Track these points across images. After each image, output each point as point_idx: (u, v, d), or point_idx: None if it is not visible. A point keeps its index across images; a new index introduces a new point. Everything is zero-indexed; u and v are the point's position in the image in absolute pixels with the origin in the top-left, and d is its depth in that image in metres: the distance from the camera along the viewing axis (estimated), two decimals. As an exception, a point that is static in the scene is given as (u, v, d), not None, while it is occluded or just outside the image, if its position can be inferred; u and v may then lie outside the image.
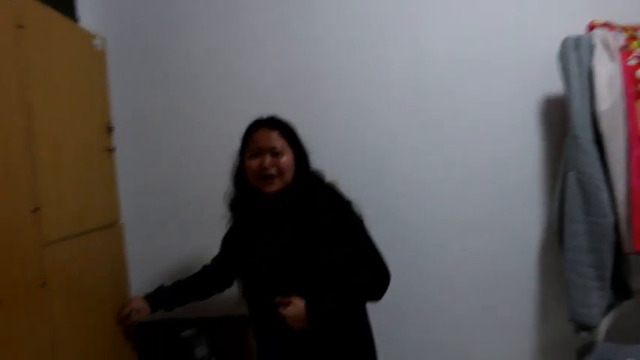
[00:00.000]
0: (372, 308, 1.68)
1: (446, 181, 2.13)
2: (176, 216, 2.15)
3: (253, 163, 1.60)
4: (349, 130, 2.13)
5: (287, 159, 1.61)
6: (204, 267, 1.88)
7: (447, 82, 2.12)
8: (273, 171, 1.58)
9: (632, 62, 1.84)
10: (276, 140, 1.61)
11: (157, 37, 2.15)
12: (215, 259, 1.86)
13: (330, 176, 1.70)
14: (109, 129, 1.90)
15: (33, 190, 1.34)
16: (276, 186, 1.59)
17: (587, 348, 1.88)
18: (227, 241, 1.81)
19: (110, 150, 1.89)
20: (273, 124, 1.64)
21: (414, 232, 2.14)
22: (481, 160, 2.12)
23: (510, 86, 2.10)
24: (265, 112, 1.70)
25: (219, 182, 1.73)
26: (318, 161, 1.72)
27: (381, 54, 2.13)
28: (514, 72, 2.09)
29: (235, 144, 1.68)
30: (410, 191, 2.13)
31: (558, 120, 2.05)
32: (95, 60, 1.84)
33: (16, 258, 1.25)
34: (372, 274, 1.58)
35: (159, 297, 1.80)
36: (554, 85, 1.98)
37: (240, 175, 1.67)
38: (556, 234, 1.95)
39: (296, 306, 1.51)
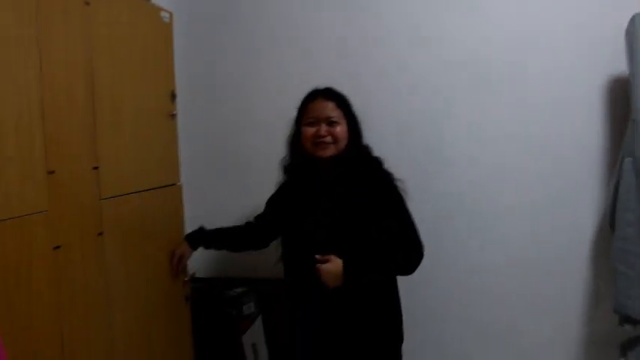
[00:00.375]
0: (416, 283, 1.75)
1: (502, 157, 2.10)
2: (232, 178, 2.31)
3: (309, 130, 1.68)
4: (405, 102, 2.16)
5: (342, 129, 1.68)
6: (247, 223, 2.00)
7: (510, 55, 2.06)
8: (328, 139, 1.66)
9: None
10: (332, 110, 1.68)
11: (221, 10, 2.29)
12: (258, 218, 1.97)
13: (385, 148, 1.76)
14: (172, 96, 2.04)
15: (93, 150, 1.50)
16: (330, 151, 1.67)
17: (631, 342, 1.81)
18: (274, 203, 1.91)
19: (172, 115, 2.03)
20: (330, 95, 1.72)
21: (466, 208, 2.14)
22: (540, 138, 2.06)
23: (575, 64, 2.02)
24: (321, 83, 1.77)
25: (274, 148, 1.83)
26: (374, 133, 1.78)
27: (441, 23, 2.11)
28: (580, 49, 2.01)
29: (291, 113, 1.76)
30: (464, 166, 2.13)
31: (624, 102, 1.93)
32: (162, 31, 1.96)
33: (76, 209, 1.43)
34: (409, 251, 1.62)
35: (198, 237, 1.97)
36: (623, 65, 1.86)
37: (296, 142, 1.75)
38: (609, 221, 1.87)
39: (334, 263, 1.58)
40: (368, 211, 1.62)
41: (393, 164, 1.71)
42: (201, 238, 1.98)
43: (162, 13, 1.97)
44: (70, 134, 1.41)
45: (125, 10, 1.70)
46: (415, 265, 1.62)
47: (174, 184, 2.02)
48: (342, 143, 1.68)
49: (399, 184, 1.67)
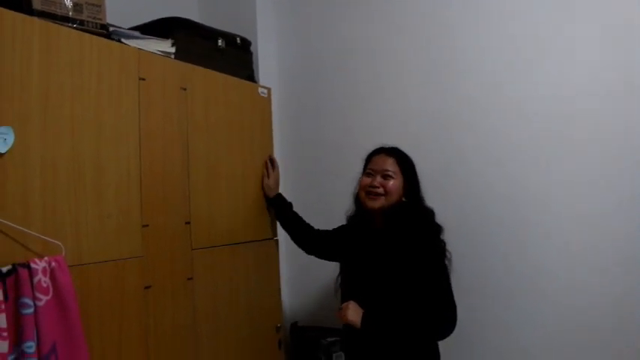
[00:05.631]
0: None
1: (587, 216, 1.98)
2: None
3: (365, 180, 1.82)
4: (484, 165, 2.16)
5: (395, 183, 1.78)
6: (313, 227, 2.14)
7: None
8: (380, 190, 1.77)
9: None
10: (391, 165, 1.80)
11: (316, 88, 2.60)
12: (322, 233, 2.11)
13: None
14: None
15: (186, 208, 1.79)
16: (379, 202, 1.76)
17: None
18: (336, 236, 2.03)
19: (269, 178, 2.28)
20: (392, 152, 1.84)
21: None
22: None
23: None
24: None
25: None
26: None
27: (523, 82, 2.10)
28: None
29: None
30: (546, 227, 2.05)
31: None
32: (260, 105, 2.25)
33: (169, 256, 1.71)
34: (441, 319, 1.64)
35: (282, 205, 2.15)
36: None
37: (356, 193, 1.89)
38: None
39: (354, 312, 1.68)
40: (409, 270, 1.67)
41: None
42: (285, 203, 2.15)
43: (260, 90, 2.27)
44: (165, 196, 1.71)
45: (221, 91, 2.01)
46: (445, 334, 1.64)
47: (270, 239, 2.24)
48: (393, 197, 1.76)
49: (447, 251, 1.73)
